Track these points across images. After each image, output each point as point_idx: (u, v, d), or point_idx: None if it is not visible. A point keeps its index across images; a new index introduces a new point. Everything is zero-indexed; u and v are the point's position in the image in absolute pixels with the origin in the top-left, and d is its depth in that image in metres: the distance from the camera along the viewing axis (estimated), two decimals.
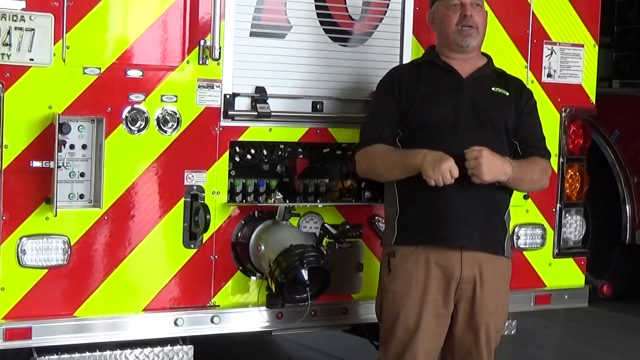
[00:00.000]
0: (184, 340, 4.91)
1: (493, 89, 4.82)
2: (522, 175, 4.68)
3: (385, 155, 4.74)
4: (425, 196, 4.62)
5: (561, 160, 5.84)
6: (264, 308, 5.06)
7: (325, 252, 4.98)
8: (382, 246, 4.90)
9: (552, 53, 5.79)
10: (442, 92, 4.76)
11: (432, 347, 4.73)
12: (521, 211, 5.66)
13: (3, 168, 4.47)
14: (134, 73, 4.73)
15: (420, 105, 4.73)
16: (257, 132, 5.06)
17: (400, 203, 4.73)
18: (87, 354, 4.69)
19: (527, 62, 5.70)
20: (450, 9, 4.75)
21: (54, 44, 4.54)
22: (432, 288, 4.66)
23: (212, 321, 4.94)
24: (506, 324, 5.35)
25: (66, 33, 4.56)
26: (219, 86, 4.93)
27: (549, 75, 5.78)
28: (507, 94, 4.83)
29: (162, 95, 4.79)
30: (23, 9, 4.46)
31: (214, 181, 4.94)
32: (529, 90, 5.00)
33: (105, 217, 4.70)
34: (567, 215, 5.91)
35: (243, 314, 5.05)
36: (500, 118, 4.77)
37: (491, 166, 4.53)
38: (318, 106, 5.21)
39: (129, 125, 4.73)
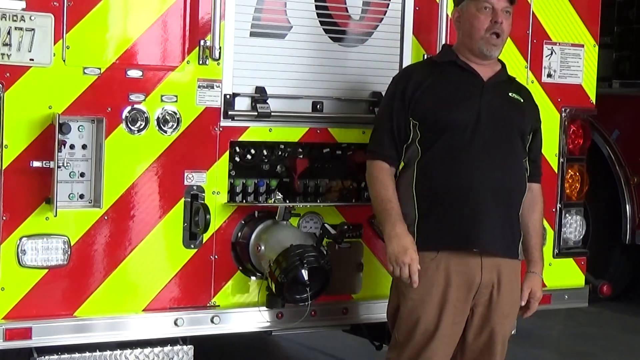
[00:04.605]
0: (184, 340, 4.91)
1: (510, 94, 4.78)
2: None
3: (375, 187, 4.73)
4: (449, 200, 4.58)
5: (561, 160, 5.84)
6: (264, 308, 5.06)
7: (325, 252, 4.98)
8: None
9: (552, 53, 5.79)
10: (466, 94, 4.70)
11: (447, 353, 4.68)
12: None
13: (3, 168, 4.47)
14: (134, 73, 4.73)
15: (443, 108, 4.65)
16: (257, 132, 5.06)
17: (419, 207, 4.63)
18: (87, 354, 4.68)
19: (527, 62, 5.70)
20: (481, 11, 4.65)
21: (54, 44, 4.54)
22: (452, 295, 4.61)
23: (212, 321, 4.94)
24: None
25: (66, 33, 4.56)
26: (219, 86, 4.93)
27: (549, 75, 5.78)
28: (522, 100, 4.81)
29: (162, 95, 4.79)
30: (23, 9, 4.46)
31: (214, 181, 4.94)
32: (535, 100, 4.99)
33: (105, 217, 4.70)
34: (567, 215, 5.91)
35: (243, 314, 5.05)
36: (517, 123, 4.75)
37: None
38: (318, 106, 5.21)
39: (129, 125, 4.73)
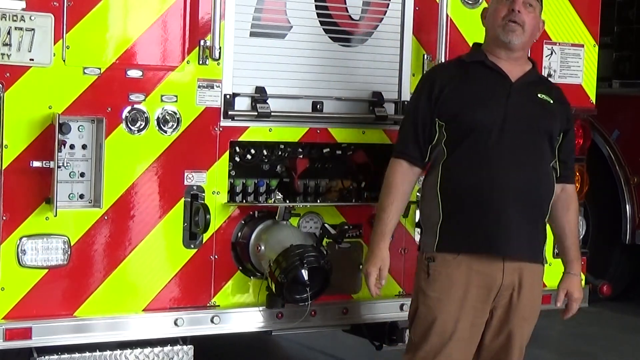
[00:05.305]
0: (184, 340, 4.91)
1: (539, 95, 4.71)
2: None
3: (383, 190, 4.72)
4: (474, 203, 4.52)
5: None
6: (264, 308, 5.06)
7: (325, 252, 4.98)
8: (420, 251, 4.74)
9: (552, 53, 5.79)
10: (492, 95, 4.63)
11: (463, 358, 4.62)
12: None
13: (3, 168, 4.47)
14: (134, 73, 4.73)
15: (468, 109, 4.59)
16: (257, 132, 5.06)
17: (444, 208, 4.57)
18: (87, 354, 4.68)
19: None
20: (501, 3, 4.64)
21: (54, 44, 4.54)
22: (472, 296, 4.55)
23: (212, 321, 4.95)
24: None
25: (66, 33, 4.56)
26: (219, 86, 4.93)
27: (549, 75, 5.77)
28: (551, 101, 4.72)
29: (162, 95, 4.79)
30: (23, 9, 4.46)
31: (214, 181, 4.94)
32: (567, 100, 4.90)
33: (105, 217, 4.70)
34: None
35: (243, 314, 5.05)
36: (545, 125, 4.67)
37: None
38: (318, 106, 5.21)
39: (129, 125, 4.73)
